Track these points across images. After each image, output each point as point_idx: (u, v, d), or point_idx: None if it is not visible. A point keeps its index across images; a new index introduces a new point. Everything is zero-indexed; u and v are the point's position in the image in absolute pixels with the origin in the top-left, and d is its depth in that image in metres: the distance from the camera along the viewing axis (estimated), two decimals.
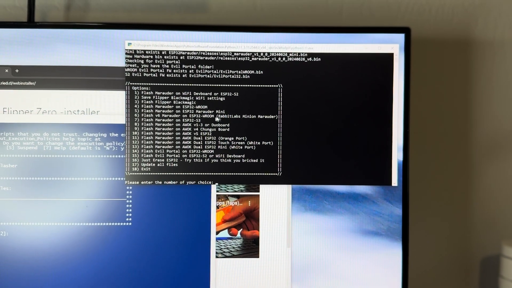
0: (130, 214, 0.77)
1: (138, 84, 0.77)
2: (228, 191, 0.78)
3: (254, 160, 0.78)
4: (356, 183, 0.79)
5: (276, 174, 0.78)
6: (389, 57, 0.79)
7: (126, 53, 0.77)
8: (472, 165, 0.94)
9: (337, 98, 0.79)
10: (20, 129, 0.76)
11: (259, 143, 0.78)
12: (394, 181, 0.79)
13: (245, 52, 0.78)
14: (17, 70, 0.76)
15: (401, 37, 0.79)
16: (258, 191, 0.78)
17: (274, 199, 0.78)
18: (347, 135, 0.79)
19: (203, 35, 0.77)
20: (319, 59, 0.78)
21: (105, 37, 0.76)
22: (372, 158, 0.79)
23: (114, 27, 0.77)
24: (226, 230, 0.78)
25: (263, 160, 0.78)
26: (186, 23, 0.86)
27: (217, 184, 0.78)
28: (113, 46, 0.76)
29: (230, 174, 0.78)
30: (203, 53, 0.77)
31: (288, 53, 0.78)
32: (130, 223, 0.77)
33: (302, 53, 0.78)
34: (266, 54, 0.78)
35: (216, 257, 0.78)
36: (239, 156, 0.78)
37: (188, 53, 0.77)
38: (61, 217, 0.76)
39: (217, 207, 0.78)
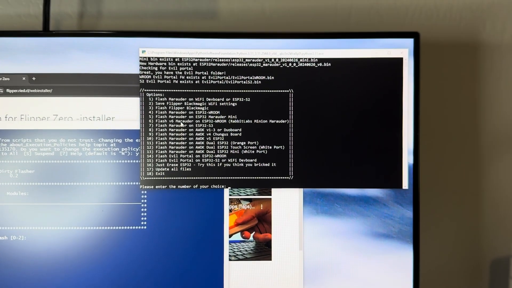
0: (145, 218, 0.78)
1: (152, 90, 0.78)
2: (240, 195, 0.79)
3: (266, 164, 0.79)
4: (367, 186, 0.79)
5: (287, 178, 0.79)
6: (398, 62, 0.80)
7: (140, 60, 0.78)
8: (482, 168, 0.94)
9: (348, 102, 0.79)
10: (37, 135, 0.78)
11: (270, 147, 0.79)
12: (405, 184, 0.80)
13: (256, 58, 0.79)
14: (34, 78, 0.77)
15: (410, 41, 0.80)
16: (270, 195, 0.79)
17: (286, 203, 0.79)
18: (357, 138, 0.79)
19: (215, 42, 0.79)
20: (329, 64, 0.79)
21: (119, 45, 0.78)
22: (383, 162, 0.79)
23: (128, 35, 0.78)
24: (239, 233, 0.79)
25: (274, 164, 0.79)
26: (198, 30, 0.87)
27: (229, 188, 0.79)
28: (127, 53, 0.78)
29: (242, 178, 0.79)
30: (215, 60, 0.79)
31: (299, 59, 0.79)
32: (145, 227, 0.78)
33: (312, 58, 0.79)
34: (277, 60, 0.79)
35: (229, 259, 0.79)
36: (251, 160, 0.79)
37: (200, 60, 0.79)
38: (78, 221, 0.78)
39: (230, 210, 0.79)
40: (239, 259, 0.79)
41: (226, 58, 0.79)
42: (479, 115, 0.94)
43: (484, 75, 0.93)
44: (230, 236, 0.79)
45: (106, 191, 0.78)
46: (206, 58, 0.78)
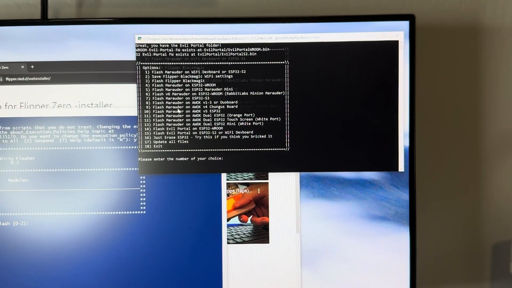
0: (144, 203, 0.79)
1: (148, 64, 0.78)
2: (238, 179, 0.80)
3: (263, 136, 0.79)
4: (363, 169, 0.80)
5: (284, 149, 0.79)
6: (394, 44, 0.79)
7: (137, 47, 0.79)
8: (481, 150, 0.94)
9: (344, 86, 0.79)
10: (36, 122, 0.79)
11: (267, 119, 0.79)
12: (401, 167, 0.80)
13: (252, 43, 0.79)
14: (32, 66, 0.79)
15: (406, 24, 0.79)
16: (267, 179, 0.80)
17: (283, 186, 0.80)
18: (353, 122, 0.79)
19: (211, 27, 0.79)
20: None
21: (116, 32, 0.78)
22: (379, 144, 0.79)
23: (124, 22, 0.79)
24: (237, 217, 0.80)
25: (271, 135, 0.79)
26: (194, 17, 0.88)
27: (227, 173, 0.79)
28: (123, 40, 0.78)
29: (239, 150, 0.79)
30: (211, 45, 0.79)
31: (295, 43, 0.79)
32: (144, 212, 0.79)
33: (308, 42, 0.79)
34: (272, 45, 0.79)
35: (228, 243, 0.80)
36: (247, 132, 0.79)
37: (197, 46, 0.79)
38: (78, 206, 0.79)
39: (228, 195, 0.80)
40: (237, 243, 0.80)
41: (221, 44, 0.79)
42: (478, 99, 0.94)
43: (484, 59, 0.93)
44: (228, 220, 0.80)
45: (105, 177, 0.79)
46: (202, 43, 0.79)
